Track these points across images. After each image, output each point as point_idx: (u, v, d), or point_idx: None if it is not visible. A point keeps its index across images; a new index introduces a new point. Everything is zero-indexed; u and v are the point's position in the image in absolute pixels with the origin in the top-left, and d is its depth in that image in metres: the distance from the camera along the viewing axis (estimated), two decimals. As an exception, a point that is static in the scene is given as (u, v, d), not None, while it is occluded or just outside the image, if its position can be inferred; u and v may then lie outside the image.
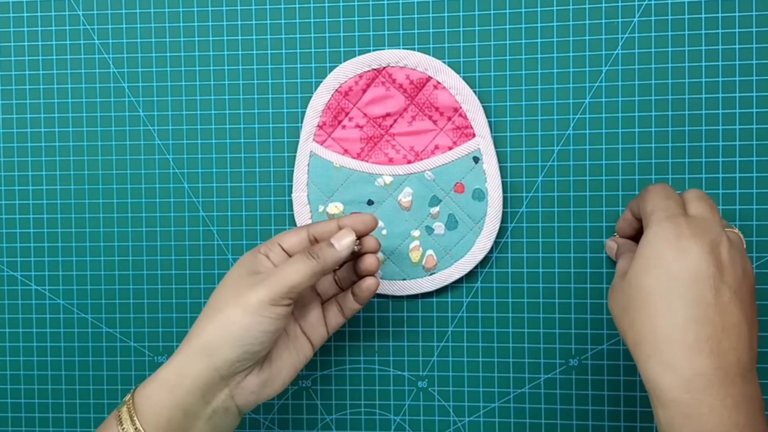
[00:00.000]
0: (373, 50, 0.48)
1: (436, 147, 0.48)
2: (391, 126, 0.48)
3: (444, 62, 0.48)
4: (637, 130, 0.47)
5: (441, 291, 0.49)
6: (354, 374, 0.50)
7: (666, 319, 0.34)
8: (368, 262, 0.43)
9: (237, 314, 0.38)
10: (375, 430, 0.50)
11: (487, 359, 0.49)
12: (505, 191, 0.48)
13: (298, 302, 0.43)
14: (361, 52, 0.49)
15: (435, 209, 0.48)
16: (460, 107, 0.47)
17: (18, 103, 0.50)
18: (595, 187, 0.48)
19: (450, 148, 0.48)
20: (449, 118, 0.48)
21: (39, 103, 0.50)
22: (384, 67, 0.47)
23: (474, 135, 0.47)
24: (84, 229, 0.51)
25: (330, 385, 0.50)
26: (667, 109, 0.47)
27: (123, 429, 0.38)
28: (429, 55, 0.48)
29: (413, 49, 0.48)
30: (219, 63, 0.49)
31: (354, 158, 0.48)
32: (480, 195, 0.48)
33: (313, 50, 0.49)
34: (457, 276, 0.48)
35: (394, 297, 0.49)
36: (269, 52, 0.49)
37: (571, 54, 0.47)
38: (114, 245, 0.51)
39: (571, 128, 0.48)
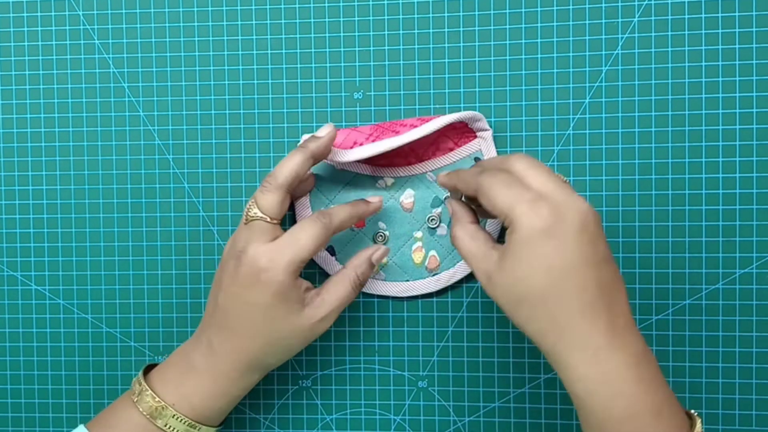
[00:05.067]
0: (374, 50, 0.48)
1: (438, 149, 0.48)
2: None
3: (444, 62, 0.48)
4: (637, 130, 0.47)
5: (441, 291, 0.49)
6: (354, 374, 0.50)
7: (563, 312, 0.35)
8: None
9: (298, 341, 0.43)
10: (375, 430, 0.50)
11: (487, 359, 0.49)
12: (505, 191, 0.48)
13: None
14: (361, 52, 0.49)
15: (437, 210, 0.48)
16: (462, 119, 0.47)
17: (18, 103, 0.50)
18: (595, 187, 0.48)
19: (451, 150, 0.48)
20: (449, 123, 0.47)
21: (39, 103, 0.50)
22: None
23: (475, 136, 0.47)
24: (84, 229, 0.51)
25: (330, 385, 0.50)
26: (667, 109, 0.47)
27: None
28: (429, 54, 0.48)
29: (413, 48, 0.48)
30: (219, 63, 0.49)
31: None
32: (480, 195, 0.48)
33: (313, 50, 0.49)
34: (460, 276, 0.48)
35: (396, 297, 0.49)
36: (269, 52, 0.49)
37: (571, 54, 0.47)
38: (114, 245, 0.50)
39: (571, 128, 0.48)
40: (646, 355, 0.36)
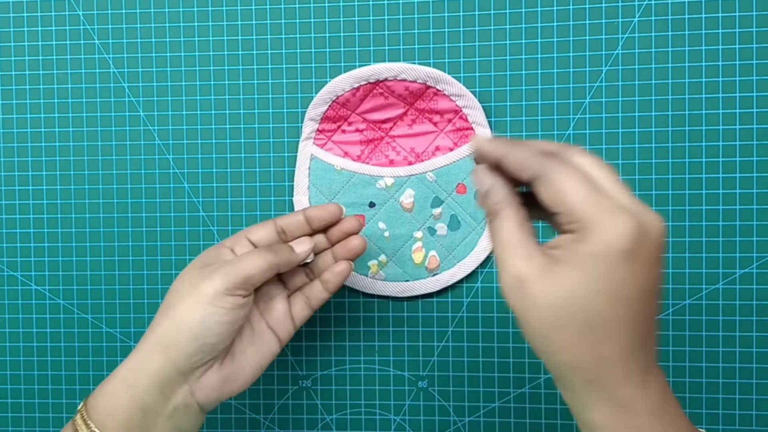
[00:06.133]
0: (374, 50, 0.48)
1: (437, 148, 0.48)
2: (390, 128, 0.48)
3: (444, 62, 0.48)
4: (637, 130, 0.47)
5: (441, 291, 0.49)
6: (354, 374, 0.50)
7: (612, 346, 0.30)
8: (353, 243, 0.43)
9: (191, 306, 0.37)
10: (375, 430, 0.50)
11: (487, 359, 0.49)
12: (505, 191, 0.48)
13: (263, 295, 0.43)
14: (361, 52, 0.49)
15: (437, 210, 0.48)
16: (461, 110, 0.47)
17: (18, 103, 0.50)
18: (595, 187, 0.48)
19: (451, 149, 0.48)
20: (449, 120, 0.48)
21: (39, 103, 0.50)
22: (381, 81, 0.47)
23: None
24: (84, 229, 0.51)
25: (330, 385, 0.50)
26: (667, 109, 0.47)
27: None
28: (429, 53, 0.48)
29: (413, 48, 0.48)
30: (219, 63, 0.49)
31: (354, 161, 0.48)
32: (481, 195, 0.48)
33: (313, 50, 0.49)
34: (460, 276, 0.48)
35: (396, 297, 0.49)
36: (269, 52, 0.49)
37: (571, 54, 0.47)
38: (114, 245, 0.50)
39: (571, 128, 0.48)
40: (666, 398, 0.31)
